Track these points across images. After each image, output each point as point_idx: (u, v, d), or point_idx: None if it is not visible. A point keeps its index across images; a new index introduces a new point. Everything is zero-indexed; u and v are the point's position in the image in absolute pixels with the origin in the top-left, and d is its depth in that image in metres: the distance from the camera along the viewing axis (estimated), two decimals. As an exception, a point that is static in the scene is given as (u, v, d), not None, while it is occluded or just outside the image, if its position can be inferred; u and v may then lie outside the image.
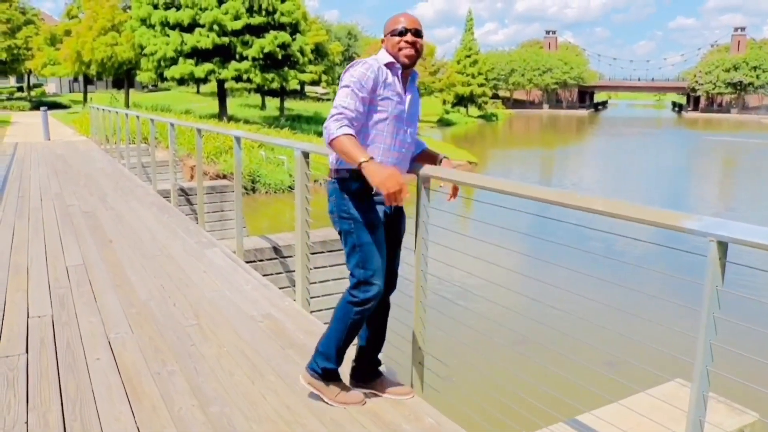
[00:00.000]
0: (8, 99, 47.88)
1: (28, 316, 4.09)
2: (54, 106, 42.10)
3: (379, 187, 2.49)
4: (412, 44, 2.76)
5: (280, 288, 5.00)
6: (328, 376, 2.92)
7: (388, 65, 2.77)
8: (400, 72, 2.78)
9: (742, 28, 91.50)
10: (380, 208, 2.80)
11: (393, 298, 3.08)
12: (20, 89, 56.72)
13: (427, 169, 3.02)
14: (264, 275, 5.37)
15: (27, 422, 2.77)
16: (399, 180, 2.50)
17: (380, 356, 3.12)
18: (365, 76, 2.68)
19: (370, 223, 2.77)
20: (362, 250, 2.77)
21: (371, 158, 2.53)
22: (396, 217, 2.90)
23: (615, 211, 2.23)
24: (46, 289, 4.65)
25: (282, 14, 32.81)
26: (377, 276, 2.76)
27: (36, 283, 4.82)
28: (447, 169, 3.03)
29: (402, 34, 2.75)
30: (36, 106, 39.62)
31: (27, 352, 3.53)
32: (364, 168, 2.51)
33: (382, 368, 3.13)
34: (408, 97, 2.83)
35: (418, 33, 2.77)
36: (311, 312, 4.41)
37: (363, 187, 2.73)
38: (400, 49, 2.75)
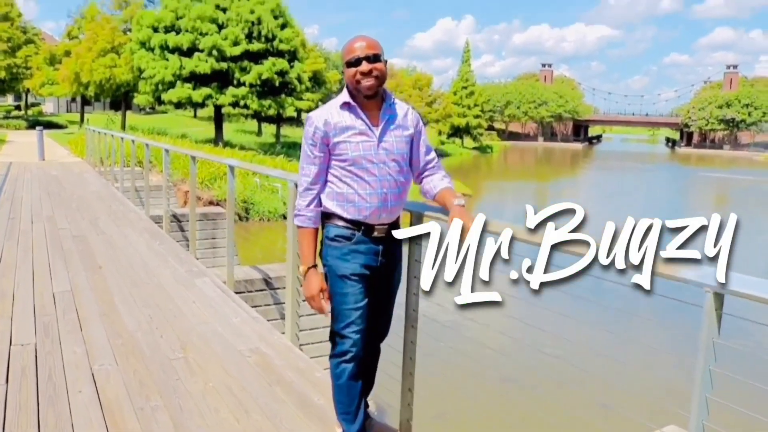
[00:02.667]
0: (5, 117, 47.85)
1: (10, 344, 4.00)
2: (50, 125, 42.04)
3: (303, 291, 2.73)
4: (369, 73, 2.51)
5: (269, 320, 4.93)
6: None
7: (344, 106, 2.59)
8: (359, 108, 2.57)
9: (735, 66, 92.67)
10: (361, 258, 2.64)
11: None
12: (17, 108, 56.76)
13: (419, 207, 2.95)
14: (253, 306, 5.31)
15: (3, 459, 2.69)
16: (311, 293, 2.66)
17: (369, 397, 3.05)
18: (312, 135, 2.60)
19: (343, 274, 2.62)
20: (335, 301, 2.66)
21: (313, 266, 2.67)
22: (387, 269, 2.71)
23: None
24: (31, 316, 4.57)
25: (281, 41, 33.13)
26: (349, 329, 2.62)
27: (21, 309, 4.73)
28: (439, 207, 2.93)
29: (357, 63, 2.50)
30: (32, 125, 39.50)
31: (7, 382, 3.45)
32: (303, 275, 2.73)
33: (370, 410, 3.06)
34: (378, 129, 2.58)
35: (375, 58, 2.51)
36: (300, 346, 4.34)
37: (339, 235, 2.64)
38: (358, 82, 2.52)
